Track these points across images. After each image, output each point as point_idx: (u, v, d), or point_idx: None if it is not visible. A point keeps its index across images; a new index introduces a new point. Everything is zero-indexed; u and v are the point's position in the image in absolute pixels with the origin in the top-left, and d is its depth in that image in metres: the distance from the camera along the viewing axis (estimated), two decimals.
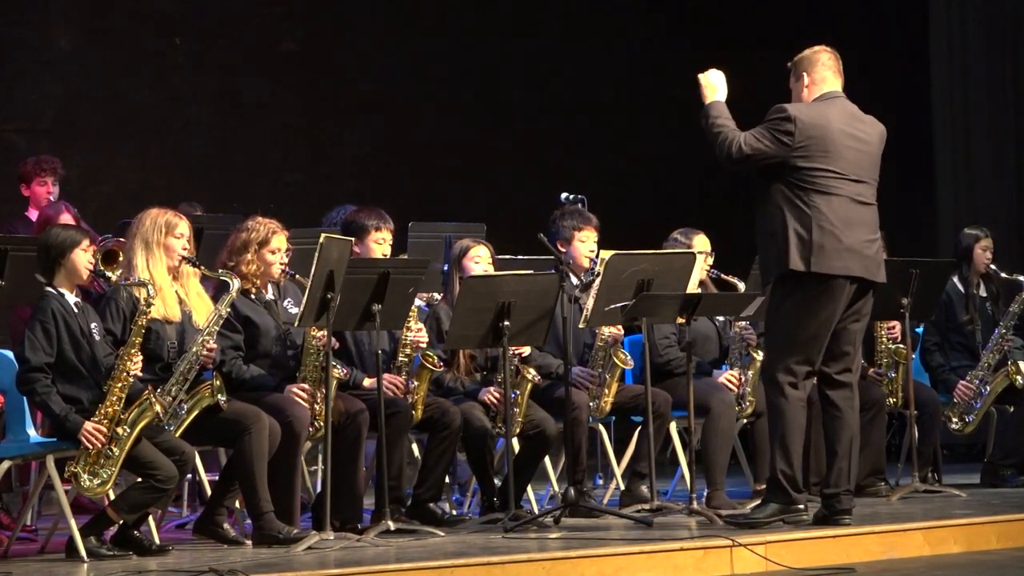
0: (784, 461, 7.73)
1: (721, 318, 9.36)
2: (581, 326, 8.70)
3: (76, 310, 7.40)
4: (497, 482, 8.56)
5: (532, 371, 8.52)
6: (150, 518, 7.58)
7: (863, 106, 8.10)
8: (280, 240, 8.03)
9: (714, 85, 8.06)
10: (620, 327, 8.83)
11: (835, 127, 7.80)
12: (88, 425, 7.23)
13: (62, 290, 7.41)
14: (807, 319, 7.70)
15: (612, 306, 8.40)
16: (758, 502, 8.08)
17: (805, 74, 7.97)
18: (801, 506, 7.74)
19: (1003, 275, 10.00)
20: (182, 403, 7.59)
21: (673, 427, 8.98)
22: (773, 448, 7.80)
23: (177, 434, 7.51)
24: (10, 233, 9.31)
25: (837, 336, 7.78)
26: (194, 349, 7.63)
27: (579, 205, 9.64)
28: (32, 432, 7.77)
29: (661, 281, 8.49)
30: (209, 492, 8.04)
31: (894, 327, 9.56)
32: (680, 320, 8.52)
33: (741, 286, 9.06)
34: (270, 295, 8.13)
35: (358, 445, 7.96)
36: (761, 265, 7.95)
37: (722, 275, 9.26)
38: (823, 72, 7.98)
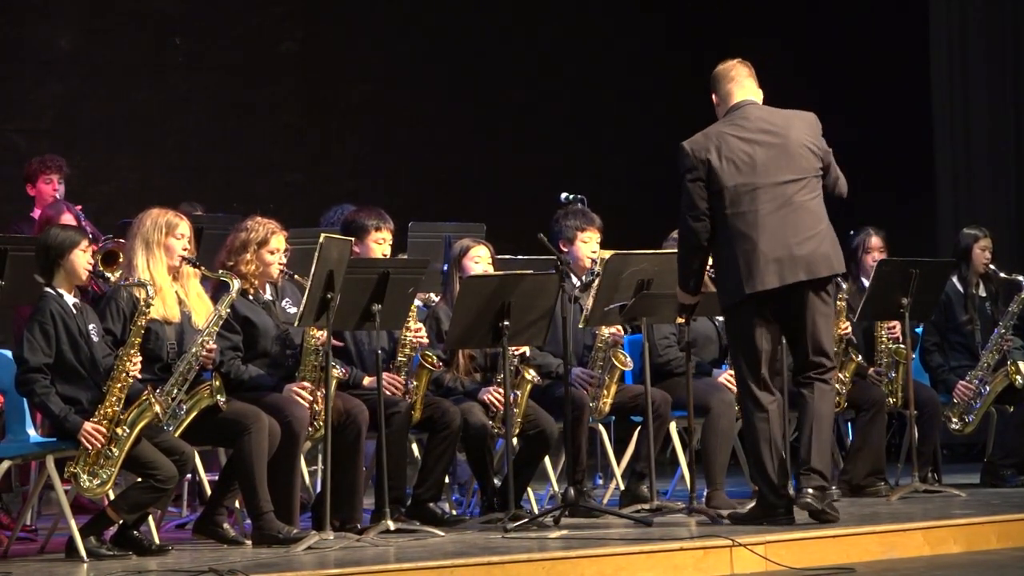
0: (757, 471, 7.84)
1: (721, 318, 9.35)
2: (581, 326, 8.70)
3: (75, 311, 7.40)
4: (497, 482, 8.56)
5: (532, 371, 8.52)
6: (150, 518, 7.59)
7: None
8: (279, 240, 8.03)
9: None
10: (620, 328, 8.83)
11: (730, 143, 7.82)
12: (87, 425, 7.23)
13: (61, 291, 7.40)
14: (751, 344, 7.78)
15: (611, 305, 8.41)
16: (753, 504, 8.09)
17: (714, 94, 8.08)
18: (781, 509, 7.79)
19: (1002, 275, 10.00)
20: (181, 403, 7.59)
21: (673, 427, 8.98)
22: (748, 460, 7.98)
23: (176, 434, 7.51)
24: (17, 233, 9.31)
25: (796, 341, 7.85)
26: (193, 350, 7.63)
27: (580, 205, 9.64)
28: (32, 432, 7.77)
29: (661, 281, 8.49)
30: (209, 492, 8.04)
31: (894, 327, 9.56)
32: (680, 320, 8.52)
33: None
34: (268, 295, 8.13)
35: (358, 445, 7.96)
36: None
37: None
38: (727, 87, 8.03)
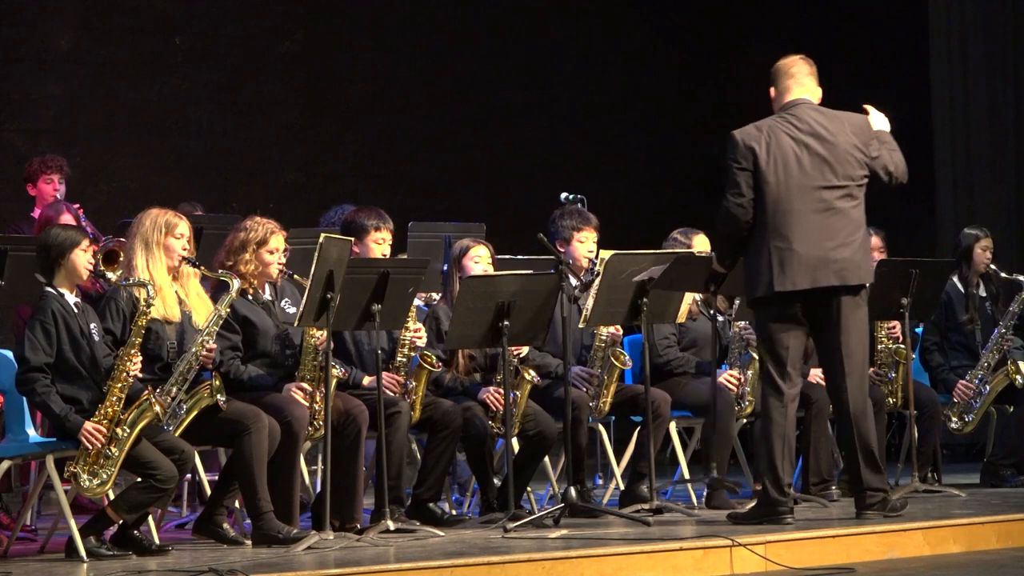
0: (765, 463, 7.89)
1: (721, 318, 9.36)
2: (580, 326, 8.70)
3: (76, 310, 7.40)
4: (497, 482, 8.56)
5: (531, 371, 8.52)
6: (150, 518, 7.58)
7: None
8: (278, 240, 8.02)
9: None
10: (619, 327, 8.83)
11: (780, 140, 7.87)
12: (88, 425, 7.23)
13: (62, 290, 7.40)
14: (775, 339, 7.87)
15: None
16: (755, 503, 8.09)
17: (773, 87, 8.09)
18: (783, 507, 7.83)
19: (1003, 275, 10.00)
20: (181, 403, 7.59)
21: (673, 427, 8.98)
22: (759, 454, 7.98)
23: (176, 434, 7.51)
24: (17, 233, 9.30)
25: (823, 344, 7.94)
26: (193, 349, 7.63)
27: (579, 205, 9.64)
28: (32, 432, 7.77)
29: (661, 281, 8.48)
30: (209, 492, 8.04)
31: (894, 327, 9.56)
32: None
33: None
34: (267, 295, 8.12)
35: (357, 445, 7.95)
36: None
37: None
38: (786, 82, 8.04)
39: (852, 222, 7.87)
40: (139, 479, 7.38)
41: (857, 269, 7.86)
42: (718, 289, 8.40)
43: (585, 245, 9.00)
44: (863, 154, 7.93)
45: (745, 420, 9.16)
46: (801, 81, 8.04)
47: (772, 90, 8.10)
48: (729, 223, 7.89)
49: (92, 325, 7.43)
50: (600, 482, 10.27)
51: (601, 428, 9.23)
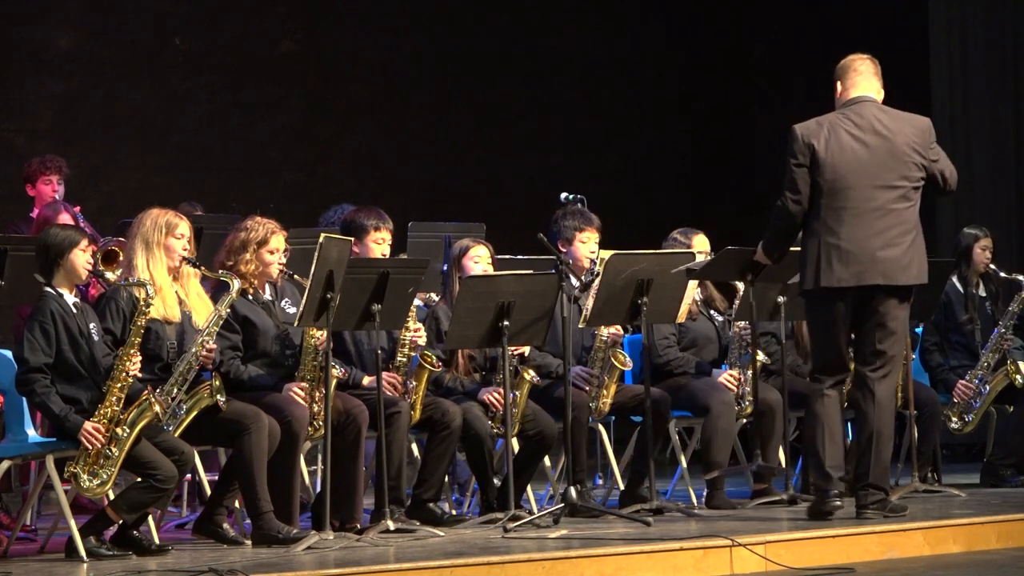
0: (809, 452, 8.09)
1: (720, 318, 9.36)
2: (580, 326, 8.70)
3: (75, 310, 7.40)
4: (497, 482, 8.56)
5: (531, 371, 8.51)
6: (150, 518, 7.58)
7: None
8: (279, 240, 8.02)
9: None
10: (619, 328, 8.83)
11: (839, 136, 7.94)
12: (87, 425, 7.22)
13: (61, 290, 7.40)
14: (819, 331, 8.06)
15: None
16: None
17: (839, 81, 8.15)
18: (832, 497, 7.98)
19: (1002, 275, 10.00)
20: (181, 403, 7.58)
21: (672, 427, 8.98)
22: (806, 448, 8.19)
23: (176, 434, 7.51)
24: (17, 234, 9.30)
25: (862, 339, 8.02)
26: (193, 349, 7.62)
27: (579, 205, 9.64)
28: (32, 432, 7.77)
29: (661, 281, 8.49)
30: (209, 492, 8.04)
31: None
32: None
33: (740, 286, 9.04)
34: (267, 295, 8.12)
35: (357, 445, 7.95)
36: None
37: None
38: (855, 77, 8.11)
39: (904, 223, 7.92)
40: (139, 479, 7.38)
41: (904, 270, 7.91)
42: (755, 279, 8.52)
43: (587, 245, 9.00)
44: (922, 156, 7.98)
45: (745, 420, 9.15)
46: (868, 78, 8.11)
47: (837, 85, 8.14)
48: (784, 219, 8.00)
49: (91, 325, 7.43)
50: (600, 482, 10.27)
51: (601, 428, 9.23)
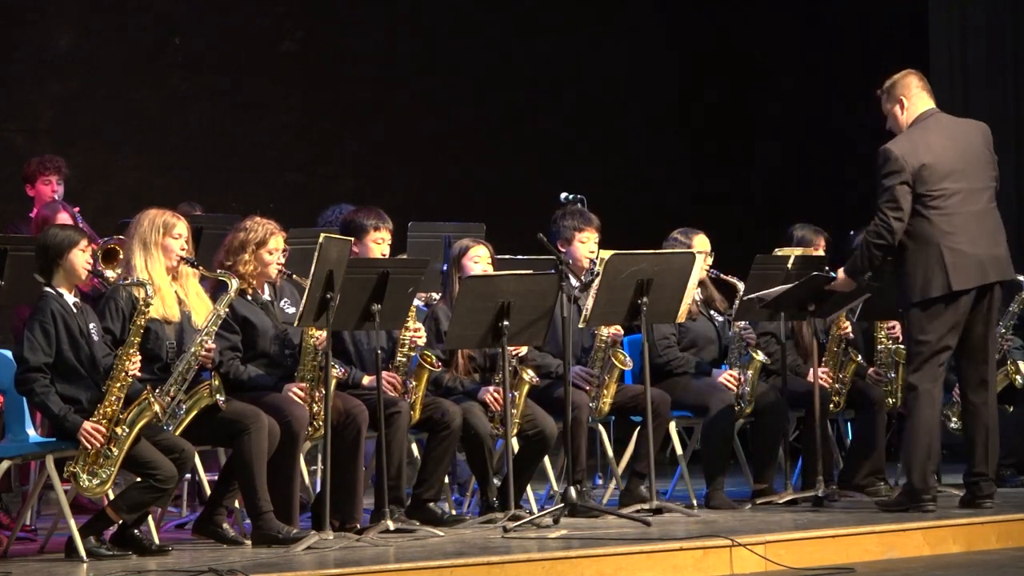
0: (908, 454, 8.28)
1: (720, 318, 9.36)
2: (580, 326, 8.69)
3: (75, 310, 7.40)
4: (497, 482, 8.56)
5: (530, 372, 8.51)
6: (149, 518, 7.58)
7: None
8: (277, 240, 8.03)
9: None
10: (619, 327, 8.83)
11: (935, 149, 8.18)
12: (87, 425, 7.23)
13: (61, 290, 7.41)
14: (936, 335, 8.21)
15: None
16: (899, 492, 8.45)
17: (903, 98, 8.35)
18: (926, 496, 8.18)
19: None
20: (181, 403, 7.59)
21: (673, 427, 8.98)
22: (904, 443, 8.39)
23: (176, 434, 7.51)
24: (16, 234, 9.29)
25: (973, 338, 8.29)
26: (192, 349, 7.63)
27: (579, 205, 9.64)
28: (31, 432, 7.77)
29: (661, 281, 8.49)
30: (208, 492, 8.04)
31: (894, 327, 9.56)
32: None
33: (740, 286, 9.05)
34: (266, 295, 8.12)
35: (357, 445, 7.95)
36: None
37: (721, 275, 9.26)
38: (917, 93, 8.35)
39: (998, 221, 8.35)
40: (139, 479, 7.38)
41: (1010, 265, 8.35)
42: (818, 310, 8.80)
43: (586, 245, 9.00)
44: (992, 156, 8.39)
45: (744, 420, 9.16)
46: (927, 91, 8.38)
47: (896, 106, 8.34)
48: (886, 237, 8.18)
49: (91, 325, 7.43)
50: (600, 482, 10.27)
51: (601, 428, 9.23)
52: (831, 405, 9.34)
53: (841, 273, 8.48)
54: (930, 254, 8.15)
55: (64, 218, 9.09)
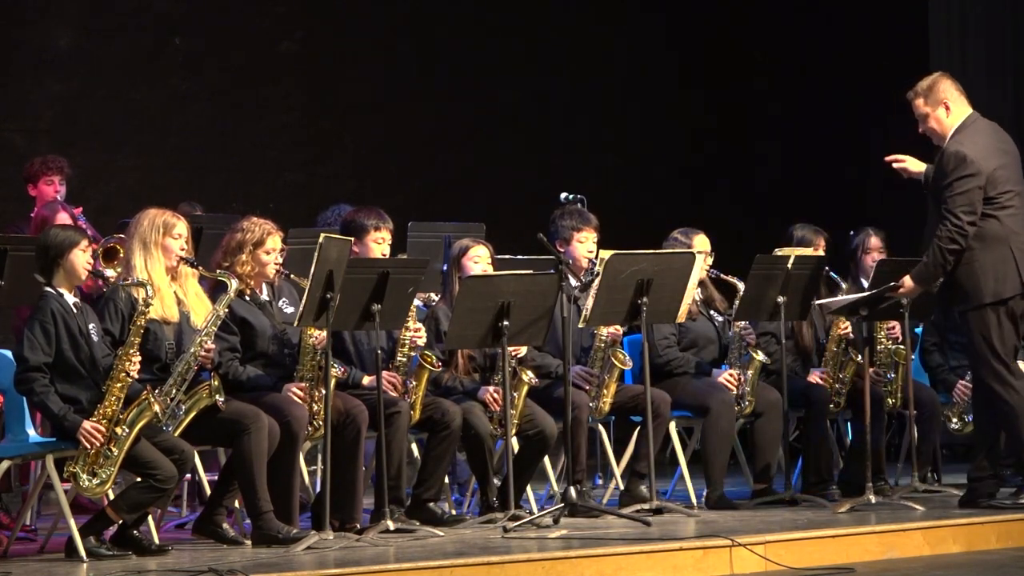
0: (1016, 444, 8.32)
1: (720, 318, 9.36)
2: (580, 326, 8.69)
3: (75, 310, 7.41)
4: (497, 482, 8.56)
5: (529, 372, 8.51)
6: (149, 518, 7.59)
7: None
8: (275, 240, 8.02)
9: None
10: (619, 327, 8.83)
11: (992, 152, 8.30)
12: (87, 424, 7.23)
13: (61, 290, 7.41)
14: (1007, 335, 8.28)
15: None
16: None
17: (947, 102, 8.41)
18: None
19: None
20: (180, 403, 7.59)
21: (672, 427, 8.98)
22: (1008, 437, 8.43)
23: (176, 434, 7.51)
24: (17, 234, 9.29)
25: None
26: (192, 349, 7.63)
27: (579, 205, 9.63)
28: (31, 432, 7.77)
29: (661, 281, 8.49)
30: (208, 492, 8.04)
31: (894, 327, 9.56)
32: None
33: (740, 286, 9.05)
34: (265, 295, 8.12)
35: (357, 444, 7.95)
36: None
37: (721, 275, 9.26)
38: (958, 97, 8.46)
39: None
40: (139, 479, 7.38)
41: None
42: (871, 314, 8.78)
43: (585, 245, 9.00)
44: None
45: (744, 420, 9.16)
46: (963, 96, 8.49)
47: (940, 109, 8.40)
48: (960, 241, 8.22)
49: (91, 325, 7.44)
50: (600, 482, 10.27)
51: (601, 428, 9.23)
52: (831, 405, 9.33)
53: (908, 281, 8.45)
54: (1002, 254, 8.21)
55: (64, 218, 9.09)
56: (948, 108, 8.39)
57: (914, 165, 8.56)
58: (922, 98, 8.43)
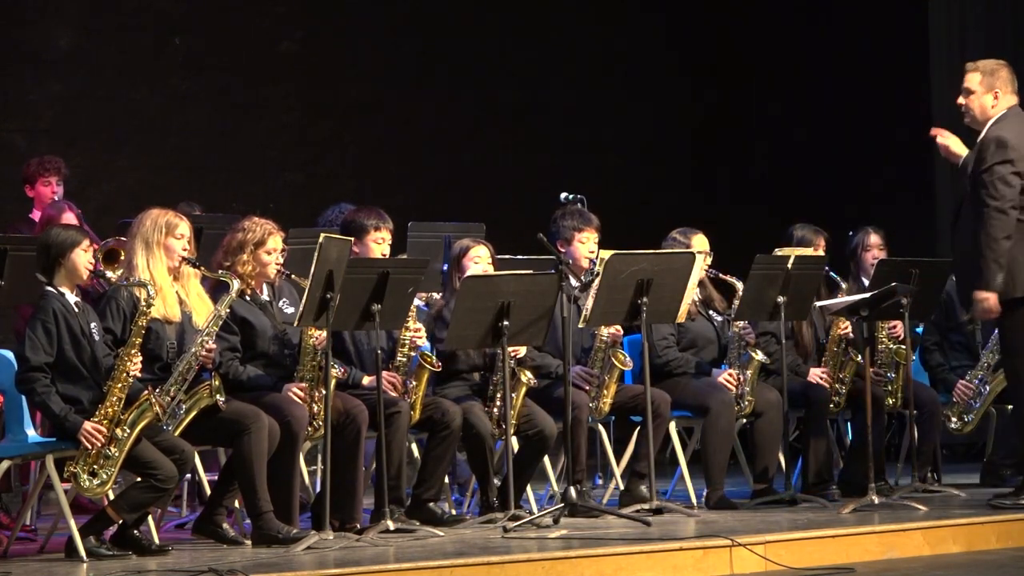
0: None
1: (720, 318, 9.36)
2: (580, 326, 8.69)
3: (76, 310, 7.41)
4: (497, 482, 8.56)
5: (527, 373, 8.50)
6: (149, 518, 7.59)
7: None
8: (276, 241, 8.02)
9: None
10: (619, 327, 8.83)
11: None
12: (87, 425, 7.23)
13: (62, 289, 7.41)
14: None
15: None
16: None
17: (999, 90, 8.35)
18: None
19: None
20: (181, 403, 7.59)
21: (672, 427, 8.98)
22: None
23: (176, 434, 7.51)
24: (17, 234, 9.29)
25: None
26: (193, 349, 7.63)
27: (579, 205, 9.63)
28: (32, 432, 7.77)
29: (661, 281, 8.49)
30: (209, 492, 8.04)
31: (894, 327, 9.56)
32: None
33: (739, 286, 9.05)
34: (265, 296, 8.12)
35: (357, 445, 7.95)
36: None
37: (720, 274, 9.26)
38: (1010, 89, 8.38)
39: None
40: (139, 479, 7.38)
41: None
42: (871, 314, 8.77)
43: (586, 246, 9.00)
44: None
45: (744, 420, 9.16)
46: (1014, 91, 8.41)
47: (990, 95, 8.34)
48: (1004, 233, 8.18)
49: (92, 324, 7.44)
50: (600, 482, 10.27)
51: (601, 428, 9.23)
52: (831, 405, 9.34)
53: (985, 294, 8.30)
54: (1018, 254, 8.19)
55: (69, 218, 9.09)
56: (997, 97, 8.35)
57: (956, 146, 8.47)
58: (980, 75, 8.37)
